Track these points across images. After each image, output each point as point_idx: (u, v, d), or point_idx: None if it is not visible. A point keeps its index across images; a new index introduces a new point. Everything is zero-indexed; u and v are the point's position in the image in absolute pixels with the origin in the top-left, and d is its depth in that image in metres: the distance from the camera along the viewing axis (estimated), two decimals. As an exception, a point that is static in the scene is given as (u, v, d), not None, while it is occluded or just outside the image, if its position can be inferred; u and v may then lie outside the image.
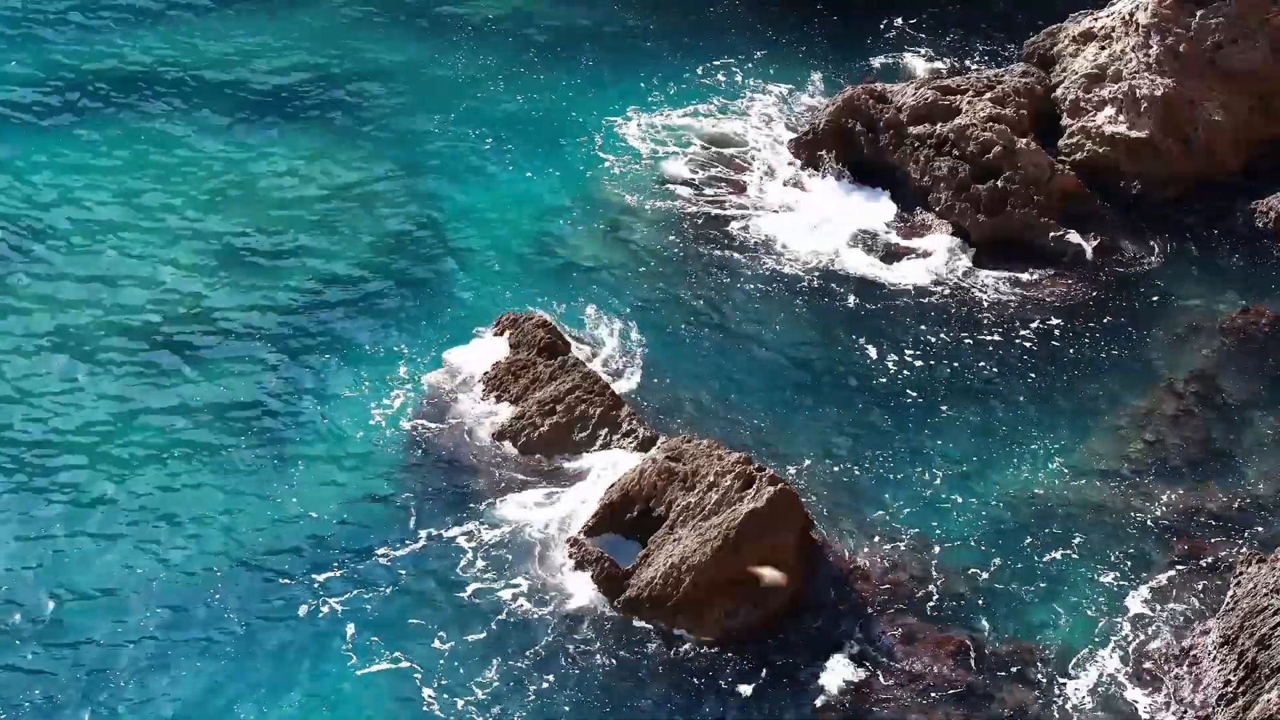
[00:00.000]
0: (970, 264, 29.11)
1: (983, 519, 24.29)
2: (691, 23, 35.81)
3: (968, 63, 34.28)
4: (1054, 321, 27.88)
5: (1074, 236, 29.39)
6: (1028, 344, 27.46)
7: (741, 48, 34.78)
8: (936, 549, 23.75)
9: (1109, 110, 30.68)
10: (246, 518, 24.01)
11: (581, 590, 22.88)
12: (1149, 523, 24.19)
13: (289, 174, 31.11)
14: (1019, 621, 22.78)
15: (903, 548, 23.74)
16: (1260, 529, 24.01)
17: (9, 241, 29.04)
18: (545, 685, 21.84)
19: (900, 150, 30.47)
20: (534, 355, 25.79)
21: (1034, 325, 27.81)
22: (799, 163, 31.34)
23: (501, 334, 26.20)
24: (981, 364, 27.10)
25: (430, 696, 21.72)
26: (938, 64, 34.31)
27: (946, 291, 28.54)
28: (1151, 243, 29.50)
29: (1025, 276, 28.78)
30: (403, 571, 23.28)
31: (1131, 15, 30.76)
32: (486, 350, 26.31)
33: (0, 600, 22.65)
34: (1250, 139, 30.44)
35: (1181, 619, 22.74)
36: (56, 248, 28.95)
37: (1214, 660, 21.88)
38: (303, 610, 22.67)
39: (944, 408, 26.21)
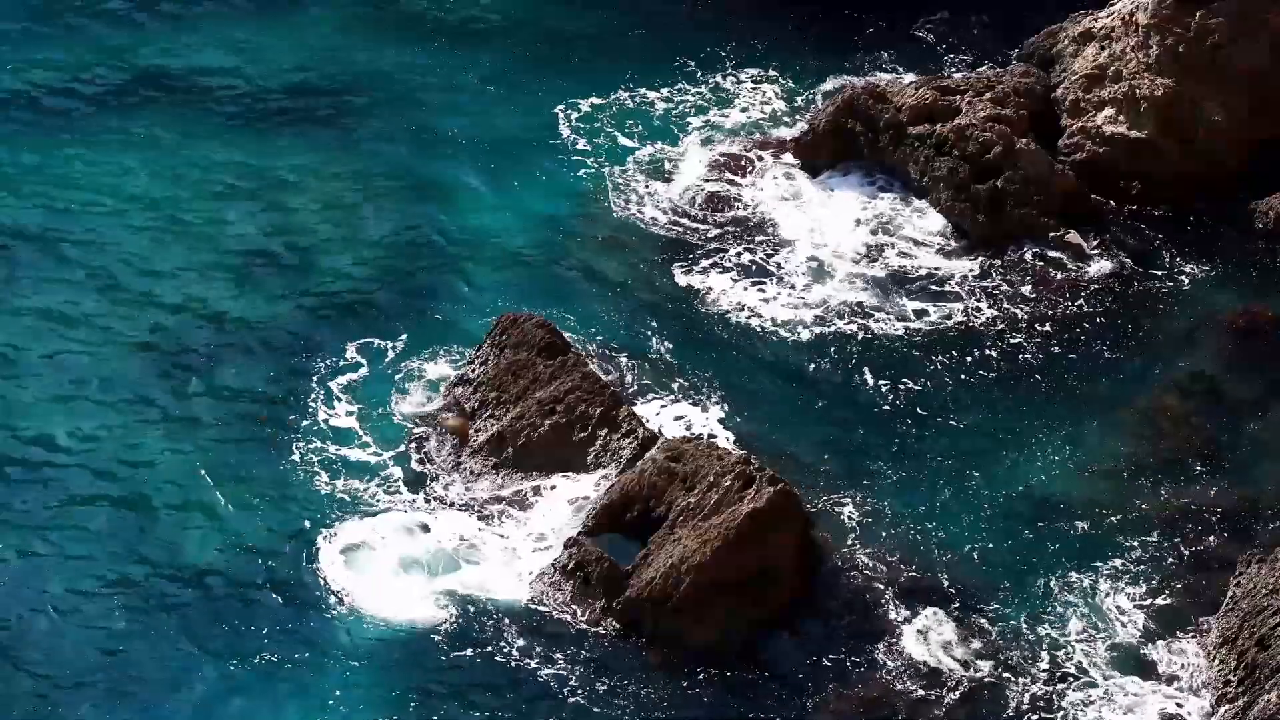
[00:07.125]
0: (969, 264, 29.09)
1: (983, 518, 24.29)
2: (689, 24, 35.69)
3: (968, 62, 34.24)
4: (1054, 321, 27.85)
5: (1074, 236, 29.37)
6: (1028, 343, 27.43)
7: (740, 49, 34.67)
8: (937, 548, 23.76)
9: (1109, 110, 30.67)
10: (234, 523, 24.02)
11: (581, 591, 22.87)
12: (1149, 522, 24.18)
13: (287, 180, 31.00)
14: (1019, 620, 22.78)
15: (903, 547, 23.73)
16: (1260, 529, 24.00)
17: (13, 243, 29.05)
18: (544, 685, 21.84)
19: (900, 150, 30.45)
20: (534, 355, 25.77)
21: (1034, 325, 27.78)
22: (798, 163, 31.30)
23: (501, 334, 26.17)
24: (982, 364, 27.08)
25: (429, 695, 21.76)
26: (937, 62, 34.31)
27: (947, 292, 28.51)
28: (1151, 243, 29.49)
29: (1025, 277, 28.75)
30: (398, 573, 23.27)
31: (1131, 15, 30.75)
32: (485, 351, 26.28)
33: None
34: (1250, 139, 30.41)
35: (1182, 619, 22.74)
36: (59, 251, 28.92)
37: (1214, 660, 21.89)
38: (300, 609, 22.78)
39: (943, 408, 26.19)
